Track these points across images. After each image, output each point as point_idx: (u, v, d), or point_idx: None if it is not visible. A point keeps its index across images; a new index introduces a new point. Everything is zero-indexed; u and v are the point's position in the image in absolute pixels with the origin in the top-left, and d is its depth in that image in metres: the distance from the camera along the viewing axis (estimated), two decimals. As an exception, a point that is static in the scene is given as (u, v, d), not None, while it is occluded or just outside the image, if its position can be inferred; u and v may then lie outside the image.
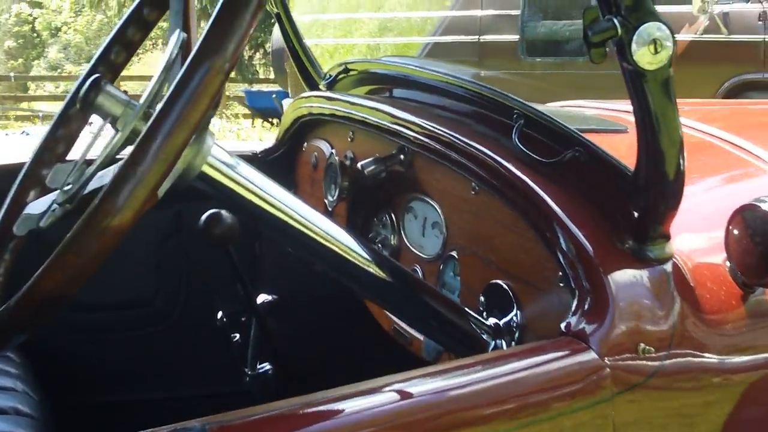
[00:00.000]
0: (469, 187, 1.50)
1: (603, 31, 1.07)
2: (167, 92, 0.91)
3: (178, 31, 1.13)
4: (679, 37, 9.34)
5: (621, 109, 1.97)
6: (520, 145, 1.41)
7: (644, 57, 1.07)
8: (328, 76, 2.21)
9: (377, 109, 1.81)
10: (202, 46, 0.91)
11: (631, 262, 1.22)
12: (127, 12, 1.33)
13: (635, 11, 1.06)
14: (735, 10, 9.08)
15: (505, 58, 9.39)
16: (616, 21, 1.06)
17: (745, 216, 1.23)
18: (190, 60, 0.91)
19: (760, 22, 8.99)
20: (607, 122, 1.86)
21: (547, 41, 9.84)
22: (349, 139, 1.92)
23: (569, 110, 2.21)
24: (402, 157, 1.70)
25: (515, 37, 9.68)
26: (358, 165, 1.76)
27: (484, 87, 1.64)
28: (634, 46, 1.06)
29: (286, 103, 9.36)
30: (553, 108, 2.20)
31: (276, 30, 10.58)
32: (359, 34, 10.01)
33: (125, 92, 1.08)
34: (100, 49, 1.31)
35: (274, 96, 11.41)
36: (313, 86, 2.25)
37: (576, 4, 8.79)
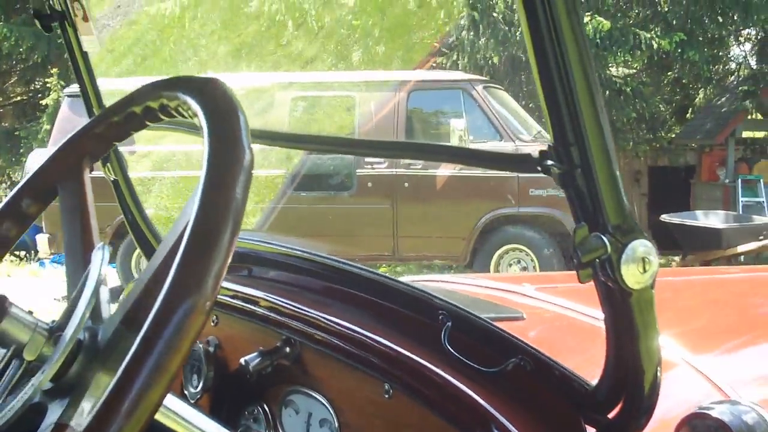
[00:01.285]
0: (380, 389, 1.33)
1: (593, 250, 1.02)
2: (137, 337, 0.79)
3: (102, 244, 1.05)
4: (438, 172, 9.66)
5: (487, 286, 1.93)
6: (451, 349, 1.28)
7: (632, 276, 1.02)
8: None
9: (248, 296, 1.62)
10: (178, 282, 0.80)
11: None
12: (1, 204, 1.20)
13: (623, 228, 1.02)
14: (489, 147, 9.48)
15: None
16: (605, 238, 1.02)
17: (695, 425, 1.14)
18: (164, 299, 0.80)
19: (513, 159, 9.39)
20: (503, 308, 1.75)
21: (311, 176, 9.88)
22: (212, 323, 1.70)
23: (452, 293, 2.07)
24: (288, 350, 1.52)
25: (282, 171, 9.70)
26: (241, 361, 1.53)
27: (388, 278, 1.50)
28: (623, 265, 1.01)
29: (40, 238, 8.65)
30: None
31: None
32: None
33: (30, 312, 0.96)
34: None
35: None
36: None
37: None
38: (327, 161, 9.91)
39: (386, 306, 1.45)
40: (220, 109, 0.94)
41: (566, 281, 2.39)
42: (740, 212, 13.16)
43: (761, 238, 10.03)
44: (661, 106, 16.08)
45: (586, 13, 12.60)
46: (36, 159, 10.18)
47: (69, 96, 10.31)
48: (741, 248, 9.92)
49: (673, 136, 16.58)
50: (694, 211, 12.03)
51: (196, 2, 13.31)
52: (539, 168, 1.07)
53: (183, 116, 1.03)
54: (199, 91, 0.98)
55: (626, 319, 1.05)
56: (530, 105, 12.51)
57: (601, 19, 12.89)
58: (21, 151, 16.86)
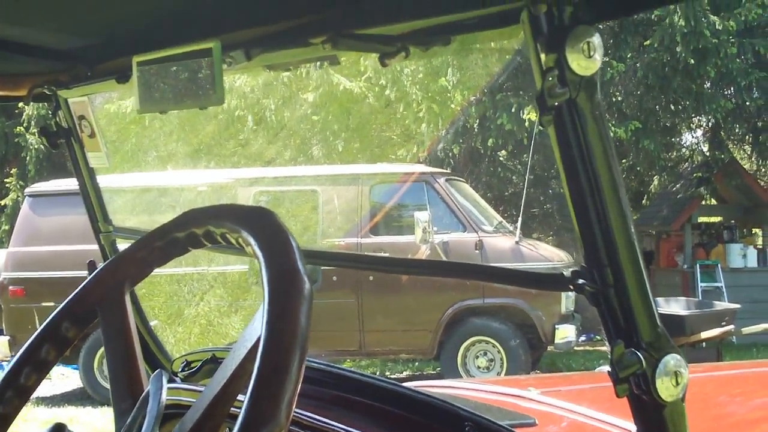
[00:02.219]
0: None
1: (629, 366, 1.06)
2: None
3: (159, 371, 1.07)
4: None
5: (492, 390, 1.97)
6: None
7: (666, 389, 1.06)
8: (184, 362, 1.94)
9: None
10: (251, 414, 0.84)
11: None
12: (41, 326, 1.20)
13: (656, 344, 1.07)
14: (453, 239, 9.56)
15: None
16: (640, 354, 1.06)
17: None
18: (242, 428, 0.83)
19: (477, 251, 9.49)
20: (515, 414, 1.77)
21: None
22: None
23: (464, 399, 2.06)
24: None
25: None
26: None
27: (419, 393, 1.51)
28: (657, 379, 1.06)
29: (0, 341, 8.39)
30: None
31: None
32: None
33: None
34: (7, 371, 1.16)
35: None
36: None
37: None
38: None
39: (411, 419, 1.45)
40: (276, 241, 0.98)
41: (568, 384, 2.40)
42: (700, 298, 13.29)
43: (723, 323, 10.10)
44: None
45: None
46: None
47: (30, 196, 10.24)
48: (704, 334, 9.97)
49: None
50: (656, 298, 12.11)
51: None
52: (572, 287, 1.10)
53: (228, 243, 1.06)
54: (251, 222, 1.02)
55: (657, 429, 1.08)
56: (488, 195, 12.67)
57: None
58: (-23, 251, 16.62)
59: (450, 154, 13.51)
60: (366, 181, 10.01)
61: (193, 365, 1.92)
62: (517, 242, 9.61)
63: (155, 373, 1.04)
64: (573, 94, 1.01)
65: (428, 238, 9.10)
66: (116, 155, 13.03)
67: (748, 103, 13.66)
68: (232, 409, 1.00)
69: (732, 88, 13.76)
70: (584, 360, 12.21)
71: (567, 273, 1.12)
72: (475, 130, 13.57)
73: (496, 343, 9.57)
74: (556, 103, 1.02)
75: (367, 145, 13.84)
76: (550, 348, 10.19)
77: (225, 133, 14.28)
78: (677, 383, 1.05)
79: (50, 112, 2.01)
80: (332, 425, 1.46)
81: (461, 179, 11.10)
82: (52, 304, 9.63)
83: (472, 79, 13.06)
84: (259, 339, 0.93)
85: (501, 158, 14.68)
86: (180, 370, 1.94)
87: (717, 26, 12.13)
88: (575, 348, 11.44)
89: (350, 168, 11.02)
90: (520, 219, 9.91)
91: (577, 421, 1.75)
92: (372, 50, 1.35)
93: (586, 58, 1.01)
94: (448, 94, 13.12)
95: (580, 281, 1.08)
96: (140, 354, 1.17)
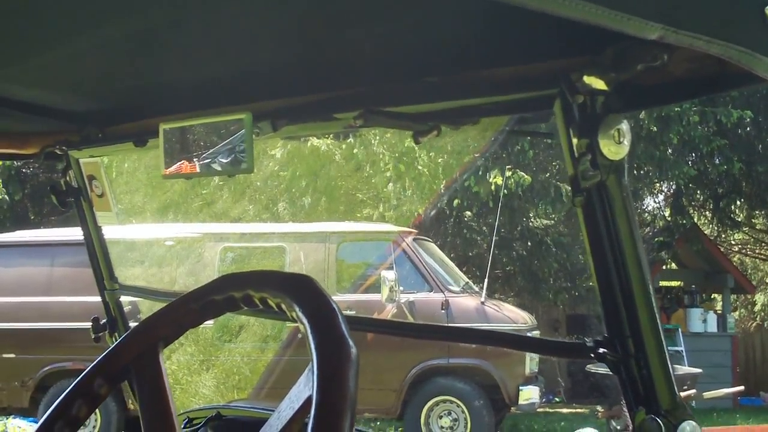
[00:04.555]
0: None
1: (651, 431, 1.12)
2: None
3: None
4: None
5: None
6: None
7: None
8: (186, 419, 1.91)
9: None
10: None
11: None
12: (74, 383, 1.20)
13: (674, 411, 1.12)
14: (420, 298, 9.57)
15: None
16: (659, 421, 1.11)
17: None
18: None
19: (443, 311, 9.50)
20: None
21: (241, 327, 9.78)
22: None
23: None
24: None
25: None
26: None
27: None
28: None
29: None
30: None
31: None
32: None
33: None
34: (39, 426, 1.17)
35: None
36: None
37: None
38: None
39: None
40: (321, 307, 1.00)
41: None
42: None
43: (685, 388, 10.16)
44: (580, 255, 16.51)
45: (507, 168, 13.04)
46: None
47: (-7, 246, 10.14)
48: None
49: (593, 284, 16.89)
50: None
51: (120, 159, 13.36)
52: (593, 355, 1.15)
53: (268, 307, 1.08)
54: (294, 289, 1.04)
55: None
56: (451, 255, 12.72)
57: (522, 173, 13.34)
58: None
59: (415, 214, 13.59)
60: (333, 238, 10.04)
61: (195, 422, 1.90)
62: (482, 302, 9.65)
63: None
64: (603, 177, 1.09)
65: (395, 297, 9.12)
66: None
67: (710, 170, 13.94)
68: None
69: (694, 155, 14.05)
70: (546, 422, 12.20)
71: (589, 342, 1.17)
72: (441, 190, 13.69)
73: (461, 403, 9.54)
74: (587, 185, 1.10)
75: (332, 203, 13.88)
76: (512, 409, 10.19)
77: (191, 191, 14.26)
78: None
79: (60, 172, 2.03)
80: None
81: (428, 239, 11.16)
82: (12, 355, 9.48)
83: (440, 140, 13.21)
84: (308, 401, 0.96)
85: (466, 219, 14.79)
86: (183, 426, 1.92)
87: (679, 95, 12.39)
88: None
89: (317, 226, 11.05)
90: (486, 280, 9.95)
91: None
92: (404, 127, 1.40)
93: (616, 144, 1.09)
94: (415, 155, 13.26)
95: (602, 350, 1.14)
96: (176, 413, 1.17)
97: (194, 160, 1.46)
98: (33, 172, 16.82)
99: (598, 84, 1.09)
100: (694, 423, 1.12)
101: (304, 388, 0.98)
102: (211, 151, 1.45)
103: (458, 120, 1.35)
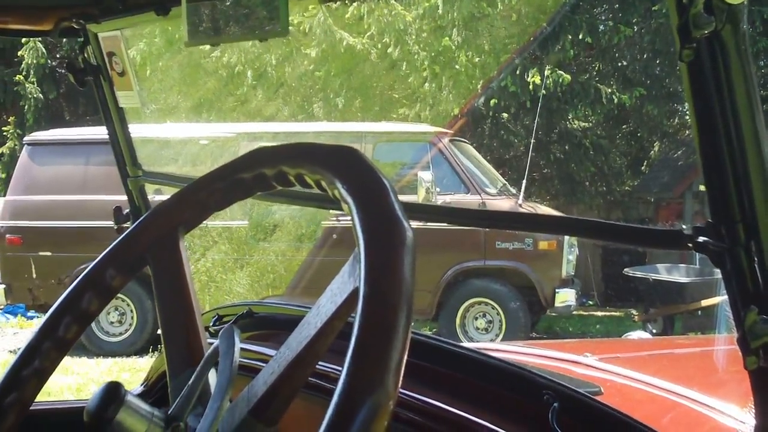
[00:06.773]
0: None
1: (762, 335, 0.95)
2: None
3: (229, 325, 0.95)
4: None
5: (548, 355, 1.92)
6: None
7: None
8: (215, 316, 1.79)
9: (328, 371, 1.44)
10: (355, 379, 0.70)
11: None
12: (82, 274, 1.08)
13: None
14: (456, 199, 9.45)
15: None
16: None
17: None
18: (343, 398, 0.69)
19: (480, 212, 9.37)
20: (579, 381, 1.67)
21: (276, 227, 9.78)
22: None
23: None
24: None
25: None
26: None
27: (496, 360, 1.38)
28: None
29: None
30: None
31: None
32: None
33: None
34: (44, 321, 1.04)
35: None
36: None
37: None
38: (293, 211, 9.80)
39: (486, 387, 1.32)
40: (369, 183, 0.84)
41: (623, 350, 2.34)
42: (697, 266, 13.28)
43: (723, 293, 10.08)
44: (617, 159, 16.29)
45: (546, 67, 12.75)
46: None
47: (29, 144, 10.12)
48: (705, 302, 9.96)
49: (628, 188, 16.76)
50: (656, 265, 12.08)
51: (157, 54, 13.20)
52: (691, 245, 0.99)
53: (305, 185, 0.92)
54: (337, 163, 0.88)
55: None
56: (488, 157, 12.56)
57: (562, 72, 13.04)
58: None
59: (452, 114, 13.39)
60: (369, 138, 9.90)
61: (225, 319, 1.78)
62: (519, 204, 9.53)
63: (225, 328, 0.92)
64: (719, 26, 0.91)
65: (431, 198, 9.02)
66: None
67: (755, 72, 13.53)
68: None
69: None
70: (581, 324, 12.21)
71: (687, 230, 1.00)
72: (478, 90, 13.45)
73: (496, 305, 9.53)
74: (699, 35, 0.92)
75: (368, 102, 13.70)
76: (548, 311, 10.19)
77: (224, 89, 14.13)
78: None
79: (78, 49, 1.89)
80: (412, 396, 1.33)
81: (465, 140, 10.99)
82: (49, 253, 9.57)
83: (477, 39, 12.92)
84: (353, 293, 0.80)
85: (503, 120, 14.57)
86: (211, 324, 1.80)
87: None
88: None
89: (354, 126, 10.90)
90: (524, 182, 9.83)
91: (643, 390, 1.67)
92: None
93: None
94: (452, 54, 12.98)
95: (702, 239, 0.97)
96: (197, 307, 1.05)
97: (221, 24, 1.31)
98: (66, 70, 16.74)
99: None
100: None
101: (349, 279, 0.82)
102: (241, 12, 1.30)
103: None
